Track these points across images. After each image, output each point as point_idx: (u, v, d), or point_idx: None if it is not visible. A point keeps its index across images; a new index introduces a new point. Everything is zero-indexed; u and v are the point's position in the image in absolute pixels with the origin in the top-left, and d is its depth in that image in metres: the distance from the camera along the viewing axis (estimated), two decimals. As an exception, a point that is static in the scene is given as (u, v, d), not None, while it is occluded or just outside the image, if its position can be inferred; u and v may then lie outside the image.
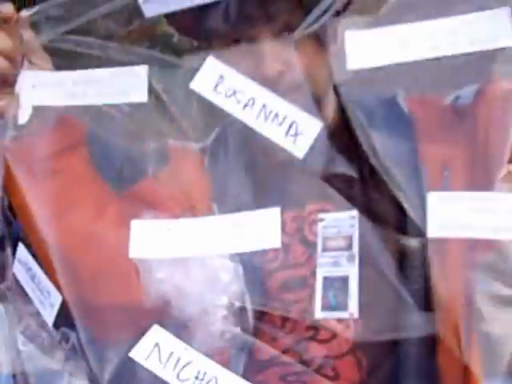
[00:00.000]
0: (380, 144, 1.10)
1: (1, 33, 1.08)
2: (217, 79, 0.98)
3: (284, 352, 1.12)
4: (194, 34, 1.19)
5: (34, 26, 1.10)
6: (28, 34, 1.11)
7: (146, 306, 1.10)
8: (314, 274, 1.12)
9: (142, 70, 1.03)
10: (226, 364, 1.04)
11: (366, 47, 0.93)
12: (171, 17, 1.07)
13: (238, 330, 1.09)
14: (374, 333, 1.13)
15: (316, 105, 1.08)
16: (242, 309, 1.12)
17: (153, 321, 1.06)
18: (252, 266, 1.14)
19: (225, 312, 1.11)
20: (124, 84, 1.03)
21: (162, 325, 1.06)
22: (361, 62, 0.93)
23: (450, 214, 0.90)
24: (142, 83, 1.02)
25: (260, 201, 1.11)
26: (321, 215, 1.05)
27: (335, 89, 1.18)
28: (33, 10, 1.09)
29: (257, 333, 1.11)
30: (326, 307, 1.01)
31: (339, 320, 1.13)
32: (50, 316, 1.08)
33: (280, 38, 1.11)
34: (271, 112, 0.96)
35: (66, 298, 1.08)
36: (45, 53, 1.12)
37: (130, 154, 1.16)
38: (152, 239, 1.05)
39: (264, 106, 0.97)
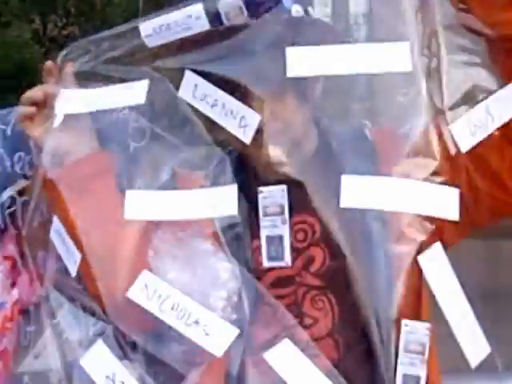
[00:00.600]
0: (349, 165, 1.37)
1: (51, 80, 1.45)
2: (193, 88, 1.33)
3: (275, 337, 1.37)
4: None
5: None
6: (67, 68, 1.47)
7: None
8: (299, 273, 1.41)
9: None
10: None
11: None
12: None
13: (234, 317, 1.34)
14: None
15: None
16: (239, 301, 1.37)
17: None
18: (248, 267, 1.41)
19: (224, 303, 1.36)
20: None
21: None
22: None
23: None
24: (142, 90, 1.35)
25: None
26: (260, 188, 1.33)
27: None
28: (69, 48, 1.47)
29: (252, 321, 1.37)
30: (270, 258, 1.31)
31: (319, 309, 1.40)
32: (73, 269, 1.38)
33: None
34: (228, 109, 1.31)
35: (99, 292, 1.38)
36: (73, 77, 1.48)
37: (146, 182, 1.45)
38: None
39: (223, 105, 1.31)
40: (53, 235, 1.42)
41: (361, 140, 1.47)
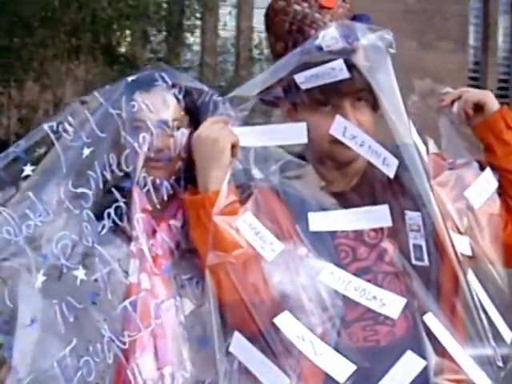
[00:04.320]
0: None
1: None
2: (343, 129, 1.74)
3: (363, 314, 1.76)
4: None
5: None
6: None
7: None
8: (375, 263, 1.79)
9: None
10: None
11: None
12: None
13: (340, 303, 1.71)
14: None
15: None
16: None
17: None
18: (332, 261, 1.75)
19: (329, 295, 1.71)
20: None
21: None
22: None
23: None
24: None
25: None
26: (406, 211, 1.79)
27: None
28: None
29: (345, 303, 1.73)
30: (416, 259, 1.78)
31: (393, 288, 1.77)
32: (270, 256, 1.70)
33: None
34: (374, 150, 1.73)
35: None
36: None
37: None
38: None
39: (370, 146, 1.73)
40: (240, 224, 1.72)
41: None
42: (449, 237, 1.72)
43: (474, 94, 1.95)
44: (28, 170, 1.84)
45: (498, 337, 1.77)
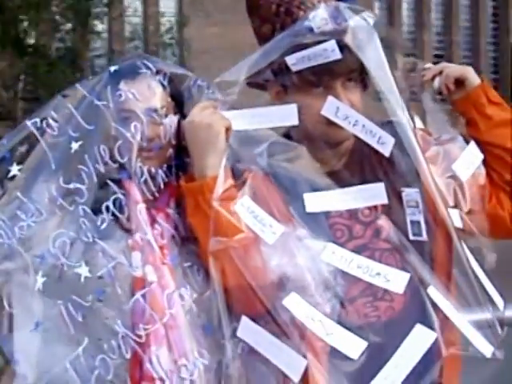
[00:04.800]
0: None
1: None
2: (335, 109, 1.74)
3: (363, 290, 1.80)
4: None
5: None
6: None
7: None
8: (371, 241, 1.83)
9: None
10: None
11: None
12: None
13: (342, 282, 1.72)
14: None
15: None
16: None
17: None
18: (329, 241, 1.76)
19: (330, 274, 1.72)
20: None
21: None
22: None
23: None
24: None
25: None
26: (403, 188, 1.82)
27: None
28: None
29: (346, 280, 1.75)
30: (414, 234, 1.79)
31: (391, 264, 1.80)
32: (271, 239, 1.69)
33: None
34: (369, 129, 1.73)
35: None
36: None
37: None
38: None
39: (364, 126, 1.73)
40: (238, 208, 1.71)
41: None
42: (446, 208, 1.76)
43: (455, 70, 1.98)
44: (15, 169, 1.78)
45: (491, 304, 1.82)
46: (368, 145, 1.75)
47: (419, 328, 1.69)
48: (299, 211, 1.76)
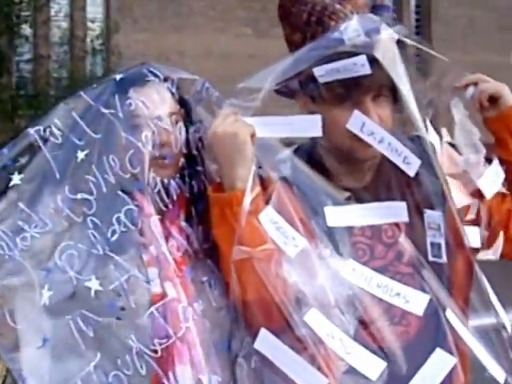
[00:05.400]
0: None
1: None
2: (360, 125, 1.72)
3: (379, 315, 1.73)
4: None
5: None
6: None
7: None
8: (392, 263, 1.79)
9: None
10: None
11: None
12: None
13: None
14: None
15: None
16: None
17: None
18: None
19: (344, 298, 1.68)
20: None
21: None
22: None
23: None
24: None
25: None
26: (425, 210, 1.83)
27: None
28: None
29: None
30: (433, 256, 1.79)
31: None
32: (293, 252, 1.65)
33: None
34: (394, 147, 1.71)
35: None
36: None
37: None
38: None
39: (389, 143, 1.71)
40: (262, 219, 1.66)
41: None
42: (464, 232, 1.77)
43: (491, 86, 1.91)
44: (16, 179, 1.71)
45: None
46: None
47: (439, 352, 1.68)
48: (321, 226, 1.72)
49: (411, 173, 1.71)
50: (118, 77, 1.77)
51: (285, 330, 1.63)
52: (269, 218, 1.66)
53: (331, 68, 1.70)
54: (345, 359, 1.60)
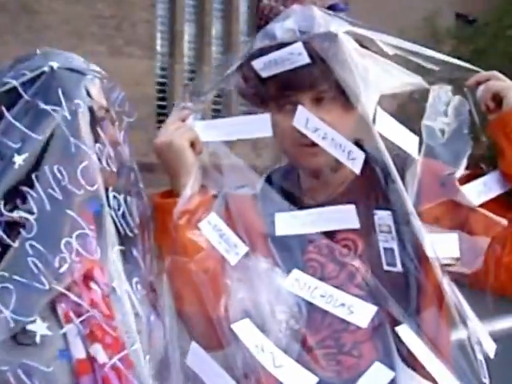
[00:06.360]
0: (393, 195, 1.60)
1: None
2: (305, 121, 1.56)
3: (324, 339, 1.59)
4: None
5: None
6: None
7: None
8: (345, 283, 1.61)
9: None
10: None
11: None
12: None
13: (297, 327, 1.55)
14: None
15: None
16: (298, 311, 1.55)
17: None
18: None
19: (287, 315, 1.54)
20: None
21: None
22: None
23: None
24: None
25: None
26: (375, 211, 1.61)
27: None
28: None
29: (306, 326, 1.56)
30: (388, 264, 1.60)
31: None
32: (234, 259, 1.55)
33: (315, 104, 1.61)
34: (338, 143, 1.54)
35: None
36: None
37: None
38: None
39: (333, 139, 1.54)
40: (204, 226, 1.57)
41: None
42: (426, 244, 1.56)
43: (495, 84, 1.64)
44: None
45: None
46: (376, 178, 1.60)
47: (377, 365, 1.54)
48: (276, 241, 1.60)
49: (357, 169, 1.53)
50: (55, 65, 1.44)
51: (219, 344, 1.52)
52: (211, 225, 1.58)
53: (269, 60, 1.59)
54: (272, 373, 1.47)
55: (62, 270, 1.32)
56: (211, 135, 1.61)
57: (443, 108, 1.67)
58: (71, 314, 1.34)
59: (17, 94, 1.41)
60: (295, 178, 1.71)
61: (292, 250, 1.61)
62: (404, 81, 1.63)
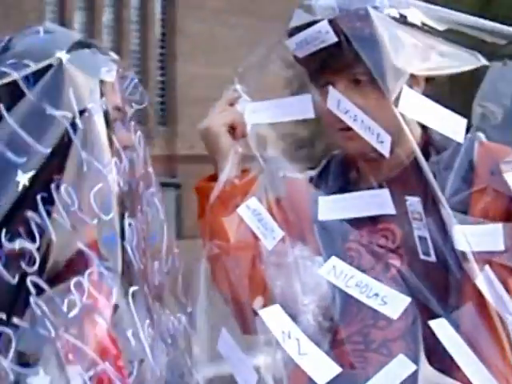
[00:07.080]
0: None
1: None
2: (336, 103, 1.55)
3: (352, 334, 1.57)
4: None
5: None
6: None
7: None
8: (381, 275, 1.56)
9: None
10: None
11: None
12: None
13: (326, 324, 1.54)
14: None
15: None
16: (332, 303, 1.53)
17: None
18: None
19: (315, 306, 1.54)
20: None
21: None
22: None
23: None
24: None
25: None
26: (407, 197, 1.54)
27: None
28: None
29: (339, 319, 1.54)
30: (423, 253, 1.54)
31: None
32: (270, 244, 1.54)
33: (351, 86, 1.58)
34: (367, 125, 1.52)
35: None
36: None
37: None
38: None
39: (362, 121, 1.53)
40: (243, 211, 1.56)
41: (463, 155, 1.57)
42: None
43: None
44: None
45: None
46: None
47: (400, 358, 1.48)
48: (322, 229, 1.59)
49: (386, 152, 1.51)
50: (64, 57, 1.21)
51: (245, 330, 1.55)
52: (250, 210, 1.58)
53: (300, 39, 1.57)
54: (295, 360, 1.45)
55: (72, 314, 1.11)
56: (258, 118, 1.61)
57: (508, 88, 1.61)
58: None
59: (17, 89, 1.18)
60: (354, 161, 1.69)
61: (334, 238, 1.60)
62: (456, 59, 1.55)
